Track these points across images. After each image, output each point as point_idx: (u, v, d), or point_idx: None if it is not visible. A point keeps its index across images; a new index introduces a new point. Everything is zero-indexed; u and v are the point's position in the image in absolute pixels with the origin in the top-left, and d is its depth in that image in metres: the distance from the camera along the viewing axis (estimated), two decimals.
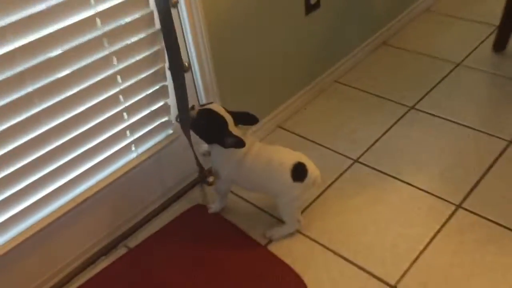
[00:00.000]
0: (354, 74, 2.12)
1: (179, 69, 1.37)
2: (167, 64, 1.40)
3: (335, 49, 2.05)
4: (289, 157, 1.42)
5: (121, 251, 1.55)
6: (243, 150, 1.40)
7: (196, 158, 1.50)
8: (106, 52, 1.26)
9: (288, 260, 1.43)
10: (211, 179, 1.57)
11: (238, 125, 1.41)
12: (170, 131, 1.52)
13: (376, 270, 1.38)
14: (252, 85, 1.75)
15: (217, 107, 1.39)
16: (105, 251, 1.53)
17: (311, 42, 1.91)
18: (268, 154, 1.43)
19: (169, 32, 1.33)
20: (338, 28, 2.01)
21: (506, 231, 1.43)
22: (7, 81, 1.11)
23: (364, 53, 2.19)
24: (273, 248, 1.48)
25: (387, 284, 1.34)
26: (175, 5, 1.36)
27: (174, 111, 1.49)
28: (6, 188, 1.21)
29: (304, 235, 1.51)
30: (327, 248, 1.46)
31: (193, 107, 1.40)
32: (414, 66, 2.12)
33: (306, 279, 1.38)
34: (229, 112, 1.40)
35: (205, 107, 1.39)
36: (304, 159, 1.42)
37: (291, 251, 1.46)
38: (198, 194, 1.68)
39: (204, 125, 1.38)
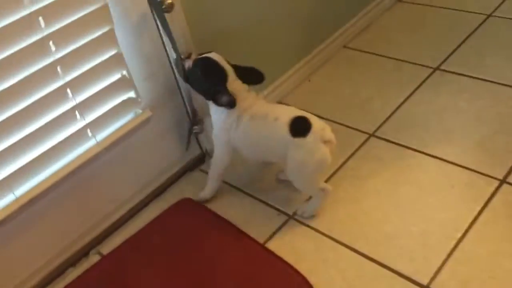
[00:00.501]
0: (365, 37, 1.83)
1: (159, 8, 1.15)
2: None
3: (341, 8, 1.76)
4: (288, 110, 1.19)
5: (93, 258, 1.29)
6: (242, 106, 1.18)
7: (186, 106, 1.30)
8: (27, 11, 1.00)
9: (291, 259, 1.16)
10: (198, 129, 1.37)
11: (243, 82, 1.20)
12: (139, 111, 1.25)
13: (403, 267, 1.09)
14: (243, 55, 1.47)
15: (217, 56, 1.18)
16: (74, 260, 1.28)
17: (313, 2, 1.62)
18: (265, 109, 1.20)
19: None
20: None
21: None
22: None
23: (377, 11, 1.89)
24: (273, 245, 1.21)
25: (418, 284, 1.05)
26: None
27: (139, 84, 1.23)
28: None
29: (309, 227, 1.23)
30: (339, 242, 1.18)
31: (189, 55, 1.20)
32: (435, 22, 1.82)
33: (313, 281, 1.10)
34: (231, 65, 1.18)
35: (203, 55, 1.18)
36: (307, 114, 1.17)
37: (294, 248, 1.19)
38: (188, 185, 1.42)
39: (200, 75, 1.17)
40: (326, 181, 1.31)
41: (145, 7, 1.18)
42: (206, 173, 1.44)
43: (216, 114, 1.22)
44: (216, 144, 1.27)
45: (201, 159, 1.47)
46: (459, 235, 1.12)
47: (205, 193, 1.34)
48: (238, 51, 1.45)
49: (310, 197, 1.26)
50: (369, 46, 1.77)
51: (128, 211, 1.35)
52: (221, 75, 1.17)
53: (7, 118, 1.03)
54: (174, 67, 1.26)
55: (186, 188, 1.42)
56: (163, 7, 1.16)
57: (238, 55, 1.41)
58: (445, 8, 1.86)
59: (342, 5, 1.75)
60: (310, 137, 1.13)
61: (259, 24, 1.49)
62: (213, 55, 1.18)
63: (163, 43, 1.24)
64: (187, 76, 1.21)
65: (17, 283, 1.19)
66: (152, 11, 1.18)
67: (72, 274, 1.26)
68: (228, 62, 1.19)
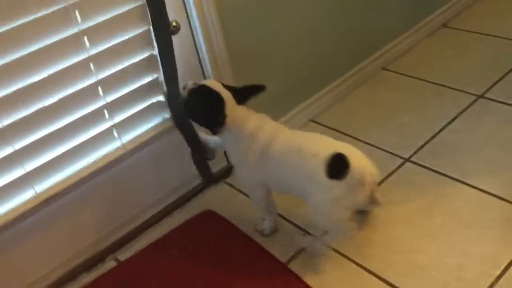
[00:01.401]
0: (406, 60, 1.77)
1: (163, 29, 1.07)
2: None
3: (385, 29, 1.71)
4: (326, 146, 1.08)
5: (109, 265, 1.26)
6: (266, 136, 1.09)
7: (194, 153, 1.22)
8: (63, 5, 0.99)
9: (313, 283, 1.09)
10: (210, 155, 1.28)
11: (244, 102, 1.10)
12: (167, 115, 1.22)
13: None
14: (278, 69, 1.44)
15: (213, 83, 1.09)
16: (89, 264, 1.24)
17: (356, 20, 1.59)
18: (299, 141, 1.10)
19: None
20: (389, 6, 1.67)
21: None
22: None
23: (419, 36, 1.83)
24: (295, 266, 1.14)
25: None
26: None
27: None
28: None
29: (336, 251, 1.16)
30: (367, 270, 1.11)
31: (185, 87, 1.10)
32: (481, 49, 1.74)
33: None
34: (229, 88, 1.09)
35: (199, 84, 1.09)
36: (347, 150, 1.07)
37: (318, 272, 1.12)
38: (212, 198, 1.37)
39: (196, 106, 1.08)
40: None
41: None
42: (231, 185, 1.40)
43: (235, 146, 1.13)
44: (246, 186, 1.20)
45: (227, 172, 1.42)
46: (498, 272, 1.04)
47: (267, 225, 1.24)
48: (274, 68, 1.43)
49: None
50: (409, 69, 1.71)
51: (149, 219, 1.32)
52: (219, 103, 1.06)
53: (37, 111, 1.02)
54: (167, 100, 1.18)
55: (210, 200, 1.37)
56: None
57: (274, 71, 1.38)
58: (492, 35, 1.79)
59: (383, 26, 1.70)
60: (347, 180, 1.03)
61: (296, 40, 1.46)
62: (210, 83, 1.10)
63: (197, 52, 1.22)
64: (184, 107, 1.12)
65: (28, 283, 1.16)
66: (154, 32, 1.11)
67: (86, 279, 1.22)
68: (226, 86, 1.10)
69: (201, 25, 1.18)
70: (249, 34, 1.33)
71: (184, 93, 1.09)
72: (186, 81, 1.11)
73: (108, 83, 1.11)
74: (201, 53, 1.23)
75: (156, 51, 1.13)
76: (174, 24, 1.11)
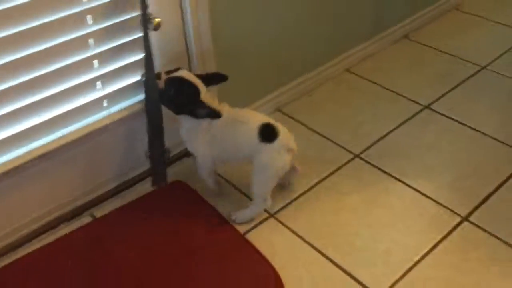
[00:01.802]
0: (367, 65, 1.95)
1: (143, 21, 1.21)
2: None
3: (352, 34, 1.89)
4: (257, 118, 1.31)
5: (85, 219, 1.40)
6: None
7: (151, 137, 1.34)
8: None
9: (267, 253, 1.28)
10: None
11: (210, 85, 1.28)
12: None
13: (364, 278, 1.22)
14: (253, 61, 1.59)
15: (187, 74, 1.25)
16: (69, 217, 1.39)
17: (327, 23, 1.75)
18: (234, 115, 1.31)
19: None
20: (358, 12, 1.85)
21: None
22: None
23: (381, 44, 2.02)
24: (252, 237, 1.33)
25: None
26: None
27: (158, 68, 1.34)
28: None
29: (289, 228, 1.35)
30: (312, 246, 1.30)
31: (159, 76, 1.24)
32: (434, 64, 1.95)
33: (283, 275, 1.22)
34: (198, 76, 1.26)
35: (174, 74, 1.24)
36: (274, 123, 1.30)
37: (272, 244, 1.31)
38: (179, 170, 1.53)
39: (173, 95, 1.24)
40: (307, 191, 1.44)
41: None
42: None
43: (189, 125, 1.30)
44: (196, 154, 1.35)
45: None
46: (417, 258, 1.26)
47: (213, 188, 1.43)
48: (250, 61, 1.58)
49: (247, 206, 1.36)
50: (370, 74, 1.90)
51: (124, 182, 1.46)
52: (195, 91, 1.23)
53: (38, 77, 1.14)
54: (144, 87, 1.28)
55: (181, 171, 1.53)
56: (151, 24, 1.21)
57: (250, 63, 1.53)
58: (446, 53, 2.00)
59: (352, 31, 1.88)
60: (276, 143, 1.26)
61: (272, 40, 1.61)
62: (184, 73, 1.24)
63: (184, 35, 1.36)
64: (160, 96, 1.25)
65: (14, 227, 1.30)
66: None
67: (64, 230, 1.37)
68: (196, 75, 1.26)
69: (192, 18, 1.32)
70: (232, 28, 1.48)
71: (160, 83, 1.22)
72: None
73: (103, 58, 1.23)
74: (189, 43, 1.37)
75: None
76: (157, 20, 1.22)
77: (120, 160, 1.43)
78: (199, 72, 1.30)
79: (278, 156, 1.27)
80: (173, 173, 1.50)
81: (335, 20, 1.78)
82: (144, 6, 1.19)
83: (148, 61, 1.23)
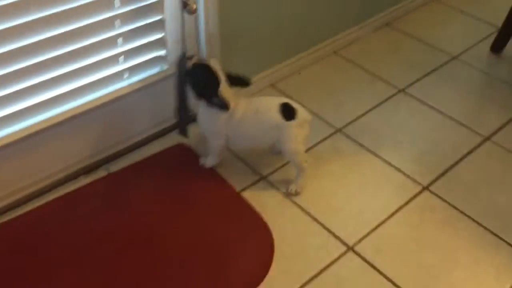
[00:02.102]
0: (352, 49, 2.17)
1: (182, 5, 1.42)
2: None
3: (339, 20, 2.09)
4: (273, 101, 1.50)
5: (101, 173, 1.61)
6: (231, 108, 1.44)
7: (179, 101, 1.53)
8: None
9: (257, 207, 1.52)
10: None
11: (232, 85, 1.45)
12: (165, 67, 1.57)
13: (338, 231, 1.47)
14: (253, 40, 1.80)
15: (214, 64, 1.42)
16: (87, 170, 1.59)
17: (317, 8, 1.95)
18: (254, 104, 1.49)
19: None
20: (345, 1, 2.04)
21: (464, 217, 1.52)
22: None
23: (366, 30, 2.23)
24: (245, 194, 1.56)
25: (345, 244, 1.44)
26: None
27: (171, 47, 1.53)
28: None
29: (278, 190, 1.58)
30: (297, 205, 1.54)
31: (192, 57, 1.43)
32: (411, 51, 2.18)
33: (271, 227, 1.46)
34: (226, 73, 1.44)
35: (203, 61, 1.43)
36: (288, 100, 1.50)
37: (261, 201, 1.54)
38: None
39: (196, 78, 1.42)
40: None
41: None
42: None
43: (208, 115, 1.47)
44: (212, 141, 1.54)
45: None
46: (384, 218, 1.51)
47: (210, 161, 1.61)
48: (250, 41, 1.78)
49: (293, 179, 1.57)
50: (354, 57, 2.12)
51: (136, 142, 1.67)
52: (215, 81, 1.40)
53: (68, 52, 1.33)
54: (178, 64, 1.45)
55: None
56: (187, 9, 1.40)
57: (250, 43, 1.73)
58: (423, 41, 2.23)
59: (341, 17, 2.09)
60: (297, 118, 1.47)
61: (270, 24, 1.81)
62: (211, 63, 1.41)
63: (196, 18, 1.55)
64: (186, 74, 1.42)
65: (44, 175, 1.51)
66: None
67: (83, 181, 1.58)
68: (224, 72, 1.42)
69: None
70: (237, 14, 1.67)
71: (189, 63, 1.40)
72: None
73: (126, 36, 1.42)
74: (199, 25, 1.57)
75: (164, 16, 1.46)
76: (194, 7, 1.43)
77: (136, 123, 1.64)
78: (228, 71, 1.46)
79: (301, 129, 1.49)
80: (177, 136, 1.72)
81: (325, 7, 1.98)
82: None
83: (183, 42, 1.43)
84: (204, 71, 1.41)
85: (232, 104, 1.44)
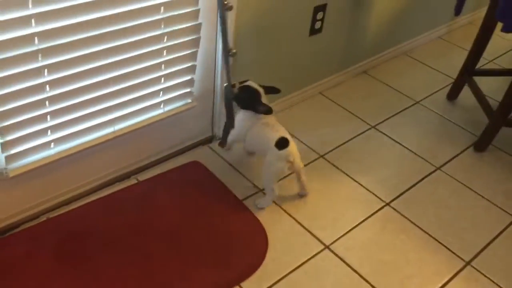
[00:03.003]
0: (335, 91, 2.63)
1: (226, 53, 1.88)
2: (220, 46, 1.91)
3: (326, 66, 2.56)
4: (281, 132, 1.89)
5: (132, 181, 2.02)
6: (261, 115, 1.90)
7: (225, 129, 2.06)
8: (159, 32, 1.74)
9: (256, 214, 1.94)
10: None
11: (267, 94, 1.93)
12: (189, 100, 2.01)
13: (318, 233, 1.90)
14: (258, 78, 2.24)
15: (252, 83, 1.91)
16: (122, 178, 2.00)
17: (309, 57, 2.41)
18: (273, 125, 1.91)
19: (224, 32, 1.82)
20: (331, 51, 2.51)
21: (415, 227, 1.96)
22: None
23: (347, 76, 2.71)
24: (246, 203, 1.98)
25: (323, 243, 1.86)
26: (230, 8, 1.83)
27: (197, 85, 1.98)
28: (70, 111, 1.68)
29: (274, 202, 2.01)
30: (287, 212, 1.96)
31: (234, 85, 1.92)
32: (383, 95, 2.65)
33: (266, 228, 1.88)
34: (260, 85, 1.93)
35: (245, 84, 1.91)
36: (290, 139, 1.86)
37: (259, 209, 1.97)
38: (198, 153, 2.17)
39: (244, 97, 1.90)
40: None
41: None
42: (212, 150, 2.20)
43: (246, 116, 1.94)
44: (237, 126, 2.00)
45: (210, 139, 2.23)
46: (354, 225, 1.94)
47: (228, 146, 2.11)
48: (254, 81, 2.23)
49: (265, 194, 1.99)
50: (336, 98, 2.58)
51: (161, 157, 2.08)
52: (258, 95, 1.89)
53: (123, 88, 1.76)
54: (224, 92, 1.94)
55: (200, 153, 2.17)
56: (226, 6, 1.78)
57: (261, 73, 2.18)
58: (393, 88, 2.70)
59: (328, 64, 2.56)
60: (282, 152, 1.84)
61: (267, 69, 2.26)
62: (250, 83, 1.89)
63: (215, 54, 1.99)
64: (235, 98, 1.91)
65: (88, 181, 1.91)
66: (218, 10, 1.74)
67: (118, 186, 1.99)
68: (259, 84, 1.91)
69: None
70: (253, 58, 2.13)
71: (234, 89, 1.90)
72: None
73: (167, 76, 1.86)
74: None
75: (196, 63, 1.91)
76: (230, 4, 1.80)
77: (163, 142, 2.06)
78: (262, 84, 1.93)
79: (279, 162, 1.85)
80: (193, 155, 2.14)
81: (314, 56, 2.45)
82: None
83: (228, 73, 1.90)
84: (248, 90, 1.90)
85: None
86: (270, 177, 1.94)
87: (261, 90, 1.91)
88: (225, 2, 1.77)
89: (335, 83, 2.66)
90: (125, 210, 1.89)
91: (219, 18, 1.79)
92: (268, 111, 1.89)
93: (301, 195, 2.02)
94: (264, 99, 1.91)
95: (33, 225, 1.80)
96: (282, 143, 1.85)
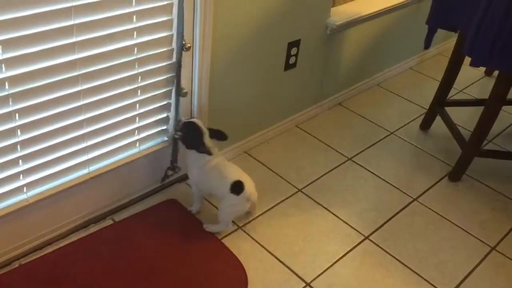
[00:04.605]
0: (311, 123, 2.66)
1: (177, 92, 1.89)
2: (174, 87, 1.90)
3: (301, 100, 2.59)
4: (234, 174, 1.87)
5: (108, 222, 1.98)
6: (206, 158, 1.88)
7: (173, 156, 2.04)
8: (133, 72, 1.73)
9: (234, 251, 1.91)
10: (169, 173, 2.10)
11: (212, 139, 1.89)
12: (165, 138, 1.99)
13: (298, 270, 1.88)
14: (232, 116, 2.25)
15: (198, 122, 1.87)
16: (98, 219, 1.96)
17: (284, 91, 2.44)
18: (221, 167, 1.88)
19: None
20: (306, 85, 2.55)
21: (394, 260, 1.96)
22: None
23: (322, 109, 2.74)
24: (225, 241, 1.96)
25: (304, 281, 1.85)
26: (188, 49, 1.83)
27: (173, 122, 1.97)
28: (42, 154, 1.65)
29: (250, 237, 1.99)
30: (266, 249, 1.95)
31: (180, 120, 1.91)
32: (358, 127, 2.68)
33: (245, 266, 1.86)
34: (208, 128, 1.89)
35: (189, 120, 1.88)
36: (245, 179, 1.86)
37: (239, 247, 1.94)
38: (174, 192, 2.15)
39: (186, 133, 1.87)
40: (266, 211, 2.09)
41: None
42: (189, 186, 2.18)
43: (192, 158, 1.89)
44: (191, 180, 1.98)
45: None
46: (334, 260, 1.93)
47: (194, 207, 2.02)
48: (229, 116, 2.23)
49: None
50: (312, 130, 2.60)
51: (137, 197, 2.05)
52: (200, 134, 1.83)
53: (97, 129, 1.74)
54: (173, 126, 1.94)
55: (176, 190, 2.15)
56: (184, 47, 1.79)
57: (228, 118, 2.18)
58: (367, 119, 2.74)
59: (303, 98, 2.58)
60: (240, 196, 1.84)
61: (243, 104, 2.27)
62: (195, 120, 1.84)
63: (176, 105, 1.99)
64: (179, 130, 1.87)
65: (63, 224, 1.86)
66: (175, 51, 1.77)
67: (93, 228, 1.94)
68: (207, 127, 1.86)
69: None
70: (225, 94, 2.13)
71: (180, 124, 1.88)
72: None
73: (142, 116, 1.85)
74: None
75: (171, 101, 1.90)
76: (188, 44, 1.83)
77: (137, 181, 2.03)
78: (208, 127, 1.91)
79: (238, 204, 1.87)
80: (170, 193, 2.12)
81: (289, 90, 2.47)
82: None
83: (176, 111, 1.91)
84: (191, 127, 1.84)
85: (213, 152, 1.87)
86: (229, 216, 1.94)
87: (205, 130, 1.86)
88: (183, 43, 1.79)
89: (311, 115, 2.68)
90: (101, 252, 1.85)
91: (174, 58, 1.82)
92: (208, 152, 1.84)
93: (247, 214, 2.03)
94: (208, 141, 1.86)
95: (4, 272, 1.74)
96: (237, 188, 1.84)
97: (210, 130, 1.89)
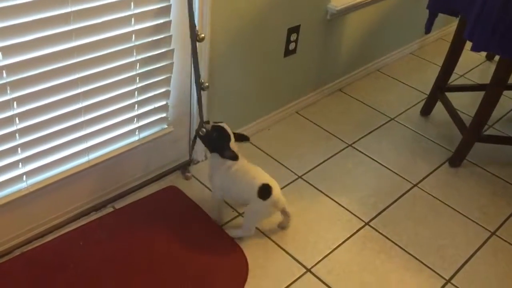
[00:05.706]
0: (311, 109, 2.65)
1: (198, 86, 1.85)
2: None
3: (301, 86, 2.57)
4: (261, 177, 1.80)
5: (109, 209, 1.98)
6: (229, 162, 1.80)
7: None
8: (132, 59, 1.72)
9: (237, 240, 1.92)
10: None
11: (236, 141, 1.84)
12: (165, 126, 1.99)
13: (299, 257, 1.88)
14: (234, 104, 2.24)
15: (226, 126, 1.81)
16: (98, 207, 1.96)
17: (284, 77, 2.43)
18: (247, 170, 1.82)
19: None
20: (306, 71, 2.53)
21: (395, 246, 1.97)
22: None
23: (322, 95, 2.72)
24: (227, 229, 1.96)
25: (304, 267, 1.85)
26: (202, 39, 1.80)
27: (172, 110, 1.96)
28: (41, 143, 1.65)
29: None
30: (266, 236, 1.95)
31: (208, 122, 1.83)
32: (358, 113, 2.67)
33: (246, 253, 1.86)
34: (232, 132, 1.84)
35: (218, 124, 1.82)
36: (273, 183, 1.79)
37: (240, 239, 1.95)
38: (174, 178, 2.15)
39: (214, 137, 1.79)
40: None
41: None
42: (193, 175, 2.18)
43: (215, 163, 1.83)
44: (213, 185, 1.92)
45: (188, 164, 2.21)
46: (334, 247, 1.94)
47: (216, 217, 1.95)
48: (231, 104, 2.22)
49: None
50: (312, 116, 2.60)
51: (137, 185, 2.05)
52: (227, 139, 1.77)
53: (97, 116, 1.73)
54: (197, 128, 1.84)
55: (176, 177, 2.14)
56: (197, 38, 1.75)
57: (231, 105, 2.17)
58: (366, 104, 2.73)
59: (303, 84, 2.57)
60: (268, 201, 1.78)
61: (244, 91, 2.26)
62: (224, 125, 1.78)
63: (191, 81, 1.98)
64: (204, 136, 1.78)
65: (64, 212, 1.86)
66: (191, 42, 1.70)
67: (95, 216, 1.95)
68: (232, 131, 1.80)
69: None
70: (225, 83, 2.12)
71: (207, 127, 1.79)
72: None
73: (141, 103, 1.84)
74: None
75: (170, 88, 1.89)
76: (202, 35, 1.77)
77: (139, 168, 2.03)
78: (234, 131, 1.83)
79: (265, 209, 1.81)
80: (170, 180, 2.12)
81: (289, 77, 2.46)
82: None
83: (200, 109, 1.87)
84: (220, 131, 1.79)
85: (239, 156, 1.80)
86: (254, 221, 1.90)
87: (231, 134, 1.80)
88: (197, 33, 1.75)
89: (311, 102, 2.67)
90: (101, 240, 1.85)
91: (192, 51, 1.77)
92: (234, 157, 1.79)
93: (282, 227, 1.98)
94: (234, 145, 1.81)
95: (6, 261, 1.74)
96: (265, 191, 1.78)
97: (234, 133, 1.84)
